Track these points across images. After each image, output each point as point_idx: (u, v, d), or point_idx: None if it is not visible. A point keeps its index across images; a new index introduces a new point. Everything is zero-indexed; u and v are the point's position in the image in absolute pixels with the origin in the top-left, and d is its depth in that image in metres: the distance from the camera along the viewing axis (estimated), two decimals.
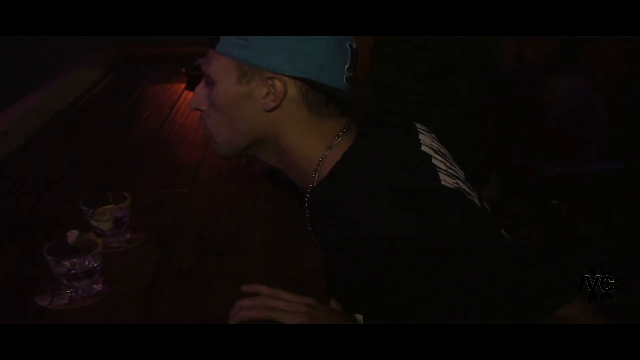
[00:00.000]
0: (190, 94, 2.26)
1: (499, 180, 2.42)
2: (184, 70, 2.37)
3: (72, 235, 1.13)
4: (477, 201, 1.03)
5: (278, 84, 1.01)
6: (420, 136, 1.10)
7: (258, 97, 1.03)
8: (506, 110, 2.65)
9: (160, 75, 2.51)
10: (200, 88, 1.09)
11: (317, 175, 1.06)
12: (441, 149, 1.10)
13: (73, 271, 1.10)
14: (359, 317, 1.04)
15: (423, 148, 1.06)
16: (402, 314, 0.96)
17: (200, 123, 1.13)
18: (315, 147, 1.05)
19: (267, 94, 1.02)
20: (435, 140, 1.12)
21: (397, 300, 0.96)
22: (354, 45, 1.04)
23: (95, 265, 1.11)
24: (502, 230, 1.06)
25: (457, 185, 0.99)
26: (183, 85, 2.35)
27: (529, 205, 2.66)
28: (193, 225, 1.36)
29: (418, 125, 1.14)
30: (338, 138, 1.05)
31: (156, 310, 1.07)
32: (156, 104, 2.21)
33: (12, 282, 1.15)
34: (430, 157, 1.04)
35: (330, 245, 1.05)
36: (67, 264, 1.10)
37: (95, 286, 1.11)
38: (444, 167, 1.03)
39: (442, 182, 0.98)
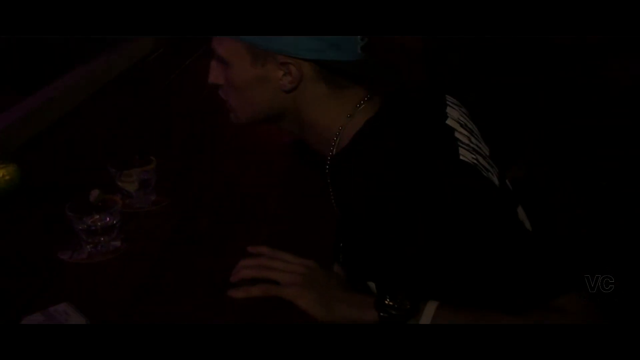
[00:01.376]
0: None
1: (543, 160, 2.36)
2: None
3: (94, 193, 1.18)
4: (495, 178, 1.03)
5: (293, 68, 1.01)
6: (448, 109, 1.10)
7: (274, 79, 1.03)
8: (561, 89, 2.58)
9: (208, 50, 2.55)
10: (215, 64, 1.10)
11: (337, 142, 1.07)
12: (468, 124, 1.10)
13: (93, 227, 1.15)
14: (372, 285, 1.05)
15: (448, 121, 1.06)
16: (412, 282, 0.97)
17: (221, 96, 1.14)
18: (336, 117, 1.06)
19: (284, 74, 1.02)
20: (464, 115, 1.12)
21: (407, 266, 0.96)
22: None
23: (115, 222, 1.16)
24: (519, 210, 1.05)
25: (475, 161, 0.99)
26: None
27: (578, 188, 2.59)
28: (216, 191, 1.39)
29: (448, 98, 1.14)
30: (359, 106, 1.06)
31: (167, 269, 1.12)
32: (200, 76, 2.25)
33: (40, 237, 1.22)
34: (453, 130, 1.04)
35: (350, 210, 1.07)
36: (87, 220, 1.15)
37: (113, 243, 1.16)
38: (467, 142, 1.03)
39: (461, 157, 0.98)
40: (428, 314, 0.92)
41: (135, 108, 1.95)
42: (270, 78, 1.03)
